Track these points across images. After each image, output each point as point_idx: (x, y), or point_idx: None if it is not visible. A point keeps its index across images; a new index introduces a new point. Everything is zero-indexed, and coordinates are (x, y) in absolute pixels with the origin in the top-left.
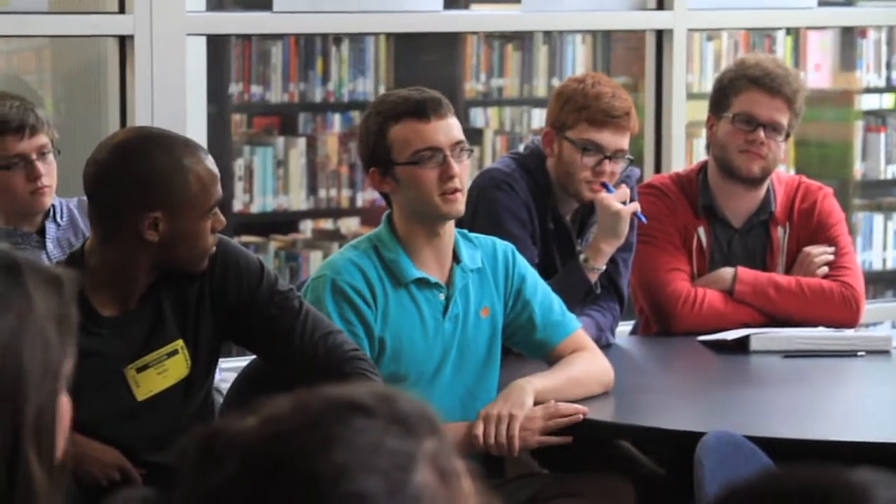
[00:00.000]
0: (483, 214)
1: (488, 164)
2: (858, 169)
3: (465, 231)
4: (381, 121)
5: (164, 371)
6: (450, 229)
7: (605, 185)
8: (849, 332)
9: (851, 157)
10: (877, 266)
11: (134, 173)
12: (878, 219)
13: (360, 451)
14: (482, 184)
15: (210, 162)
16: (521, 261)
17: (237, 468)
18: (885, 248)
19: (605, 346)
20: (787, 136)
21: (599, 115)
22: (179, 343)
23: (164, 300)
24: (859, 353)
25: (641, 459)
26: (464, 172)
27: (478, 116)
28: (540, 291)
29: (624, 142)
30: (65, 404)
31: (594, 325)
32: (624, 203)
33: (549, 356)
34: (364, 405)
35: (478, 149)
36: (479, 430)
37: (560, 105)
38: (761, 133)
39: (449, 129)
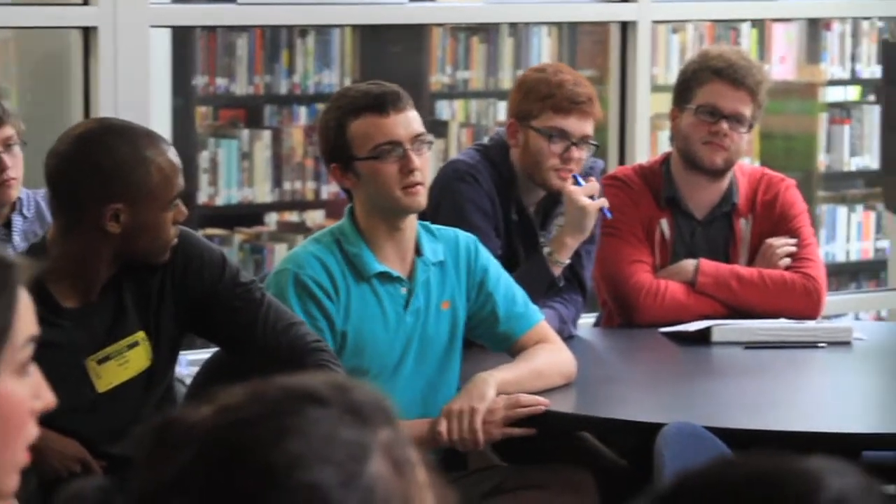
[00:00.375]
0: (447, 206)
1: (458, 157)
2: (822, 161)
3: (428, 224)
4: (340, 116)
5: (126, 363)
6: (412, 223)
7: (575, 178)
8: (810, 324)
9: (815, 149)
10: (840, 258)
11: (95, 165)
12: (842, 211)
13: (314, 441)
14: (446, 175)
15: (172, 153)
16: (484, 253)
17: (192, 457)
18: (848, 239)
19: (568, 338)
20: (750, 127)
21: (564, 102)
22: (141, 335)
23: (125, 292)
24: (820, 345)
25: (603, 451)
26: (425, 165)
27: (443, 109)
28: (503, 283)
29: (589, 128)
30: (15, 392)
31: (557, 317)
32: (592, 197)
33: (512, 348)
34: (319, 395)
35: (443, 141)
36: (443, 426)
37: (522, 95)
38: (724, 125)
39: (408, 122)
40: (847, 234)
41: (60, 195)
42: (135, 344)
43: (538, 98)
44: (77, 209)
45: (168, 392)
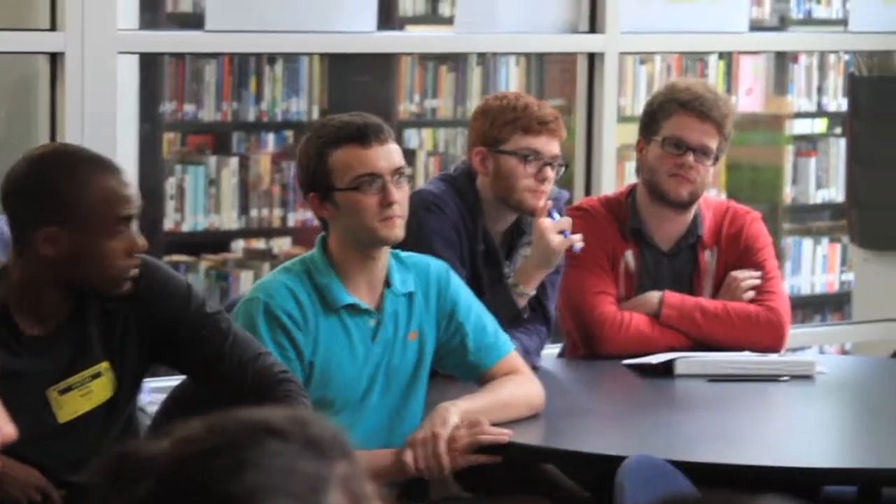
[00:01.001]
0: (412, 236)
1: (426, 186)
2: (788, 193)
3: (399, 253)
4: (321, 145)
5: (88, 393)
6: (385, 254)
7: (549, 213)
8: (773, 357)
9: (782, 181)
10: (805, 291)
11: (28, 186)
12: (808, 243)
13: (272, 474)
14: (412, 205)
15: (119, 179)
16: (456, 281)
17: (150, 490)
18: (813, 272)
19: (532, 369)
20: (717, 160)
21: (533, 122)
22: (104, 365)
23: (89, 321)
24: (783, 378)
25: (565, 482)
26: (403, 198)
27: (411, 137)
28: (474, 313)
29: (557, 147)
30: None
31: (520, 348)
32: (564, 232)
33: (481, 379)
34: (277, 428)
35: (411, 170)
36: (408, 456)
37: (489, 122)
38: (690, 157)
39: (389, 154)
40: (812, 266)
41: (9, 219)
42: (98, 374)
43: (506, 122)
44: (20, 232)
45: (130, 421)
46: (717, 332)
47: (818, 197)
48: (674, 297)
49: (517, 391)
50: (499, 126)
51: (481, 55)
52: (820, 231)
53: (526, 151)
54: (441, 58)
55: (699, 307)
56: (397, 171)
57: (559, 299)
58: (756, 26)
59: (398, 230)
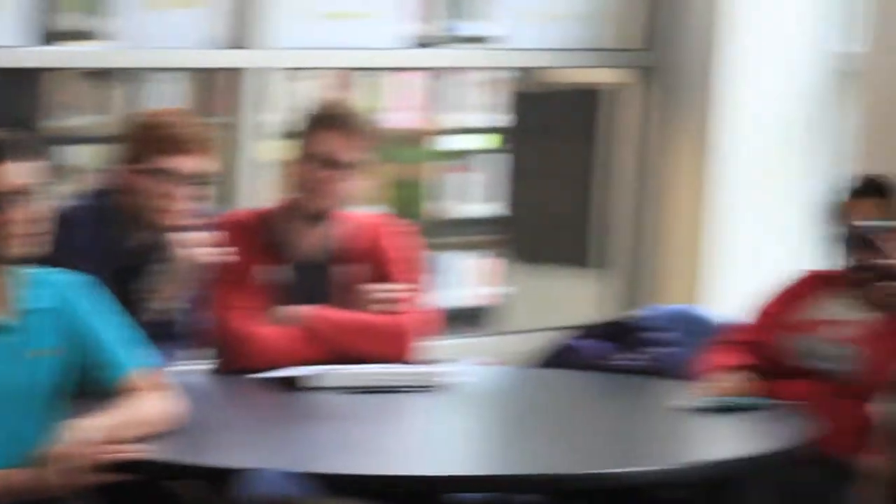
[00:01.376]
0: (51, 252)
1: (67, 202)
2: (440, 207)
3: (39, 268)
4: None
5: None
6: (16, 271)
7: (187, 228)
8: (409, 368)
9: (433, 195)
10: (456, 303)
11: None
12: (457, 257)
13: None
14: (51, 222)
15: None
16: (90, 297)
17: None
18: (464, 286)
19: (171, 384)
20: (361, 174)
21: (171, 142)
22: None
23: None
24: (422, 388)
25: (205, 499)
26: (26, 217)
27: (60, 154)
28: (103, 328)
29: (198, 166)
30: None
31: (159, 363)
32: (202, 246)
33: (113, 394)
34: None
35: (59, 187)
36: (31, 474)
37: (130, 139)
38: (331, 172)
39: (7, 174)
40: (463, 280)
41: None
42: None
43: (146, 140)
44: None
45: None
46: (354, 344)
47: (476, 212)
48: (312, 310)
49: (146, 407)
50: (139, 143)
51: (136, 70)
52: (470, 245)
53: (160, 171)
54: (92, 73)
55: (332, 320)
56: (17, 191)
57: (200, 314)
58: (413, 43)
59: (21, 249)
